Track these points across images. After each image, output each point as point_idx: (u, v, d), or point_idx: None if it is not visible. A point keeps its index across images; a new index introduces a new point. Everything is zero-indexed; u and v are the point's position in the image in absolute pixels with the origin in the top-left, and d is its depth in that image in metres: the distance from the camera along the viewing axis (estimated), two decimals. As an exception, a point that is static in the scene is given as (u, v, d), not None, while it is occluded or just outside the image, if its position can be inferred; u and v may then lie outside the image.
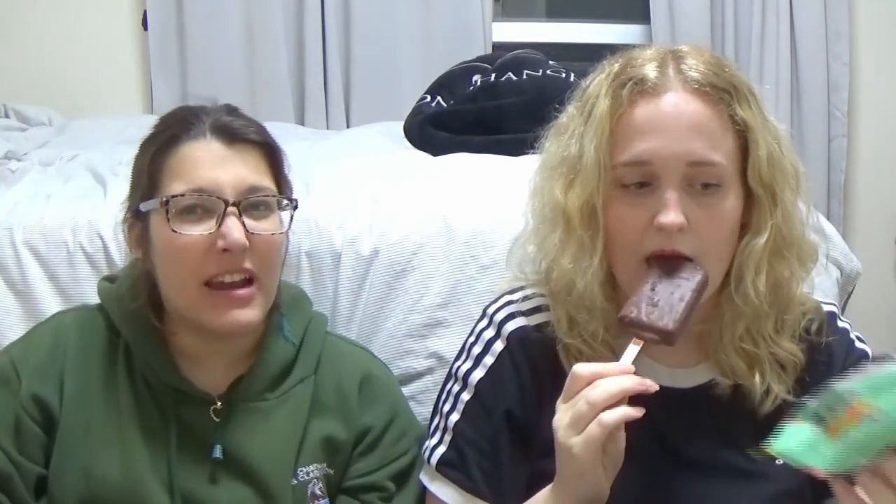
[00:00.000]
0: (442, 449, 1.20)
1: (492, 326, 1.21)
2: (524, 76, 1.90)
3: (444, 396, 1.23)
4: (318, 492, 1.24)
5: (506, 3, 3.25)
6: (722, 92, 1.10)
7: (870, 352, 1.21)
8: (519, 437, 1.17)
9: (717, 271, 1.11)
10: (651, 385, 1.00)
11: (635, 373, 1.15)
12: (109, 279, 1.32)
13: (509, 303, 1.22)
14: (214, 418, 1.21)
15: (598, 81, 1.14)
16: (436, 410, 1.24)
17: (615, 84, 1.11)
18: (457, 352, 1.26)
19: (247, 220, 1.18)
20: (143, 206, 1.20)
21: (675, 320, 1.05)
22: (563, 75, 1.91)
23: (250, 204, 1.19)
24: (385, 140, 2.11)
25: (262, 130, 1.25)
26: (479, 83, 1.96)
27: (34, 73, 2.76)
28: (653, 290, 1.07)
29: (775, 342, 1.14)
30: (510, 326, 1.19)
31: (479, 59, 2.15)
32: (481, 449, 1.17)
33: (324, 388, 1.27)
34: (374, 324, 1.51)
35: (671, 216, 1.06)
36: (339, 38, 2.80)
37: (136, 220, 1.22)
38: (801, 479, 1.15)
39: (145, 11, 2.75)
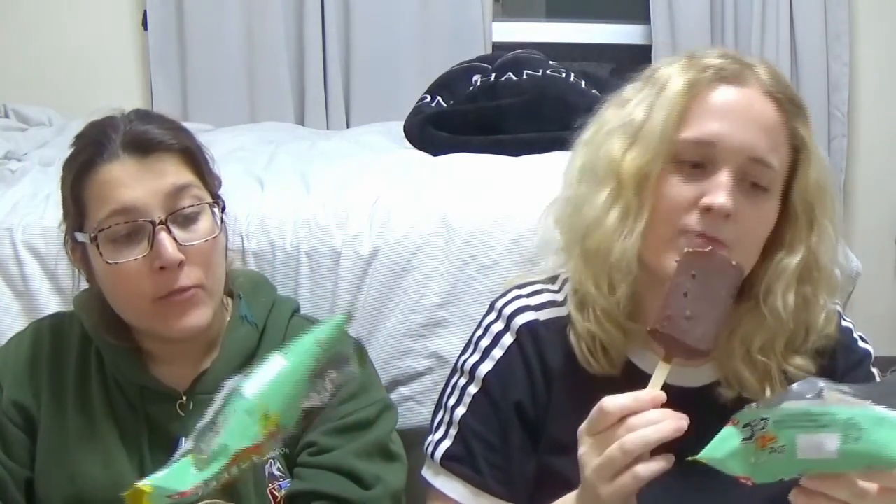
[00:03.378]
0: (447, 443, 1.19)
1: (501, 320, 1.20)
2: (524, 76, 1.90)
3: (448, 390, 1.22)
4: (277, 472, 1.23)
5: (506, 3, 3.26)
6: (790, 104, 1.12)
7: (872, 352, 1.21)
8: (528, 430, 1.17)
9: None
10: (686, 420, 0.97)
11: (639, 367, 1.15)
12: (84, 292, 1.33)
13: (518, 297, 1.22)
14: (180, 413, 1.23)
15: (668, 65, 1.15)
16: (439, 405, 1.24)
17: (695, 67, 1.13)
18: (457, 350, 1.26)
19: (178, 232, 1.17)
20: (79, 237, 1.20)
21: (711, 338, 1.02)
22: (563, 75, 1.91)
23: (175, 216, 1.17)
24: (385, 140, 2.11)
25: (177, 133, 1.22)
26: (479, 83, 1.96)
27: (34, 73, 2.77)
28: (685, 295, 1.03)
29: (787, 359, 1.14)
30: (520, 320, 1.19)
31: (479, 59, 2.14)
32: (489, 442, 1.17)
33: None
34: (373, 323, 1.50)
35: (723, 198, 1.06)
36: (339, 38, 2.80)
37: (76, 243, 1.22)
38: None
39: (145, 11, 2.75)
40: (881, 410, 0.88)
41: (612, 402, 0.98)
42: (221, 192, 1.28)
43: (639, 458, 0.96)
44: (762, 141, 1.09)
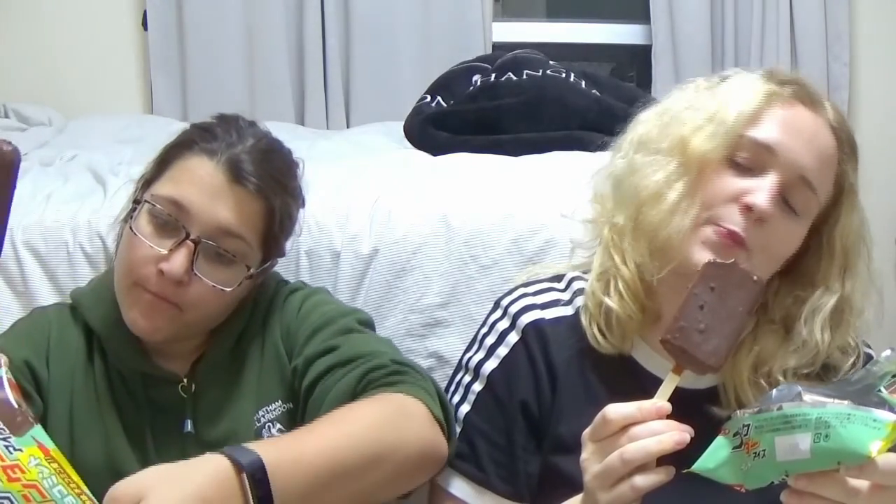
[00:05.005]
0: None
1: (506, 318, 1.20)
2: (524, 76, 1.90)
3: (453, 388, 1.22)
4: (278, 433, 1.24)
5: (506, 3, 3.25)
6: (848, 146, 1.16)
7: (874, 356, 1.21)
8: (533, 429, 1.17)
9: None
10: (690, 432, 0.96)
11: (645, 368, 1.15)
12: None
13: (524, 295, 1.22)
14: (183, 395, 1.24)
15: (745, 73, 1.18)
16: None
17: (774, 80, 1.16)
18: (457, 350, 1.26)
19: (201, 260, 1.18)
20: (138, 194, 1.24)
21: (722, 354, 1.01)
22: (563, 75, 1.91)
23: (209, 247, 1.19)
24: (385, 140, 2.11)
25: (272, 188, 1.23)
26: (479, 83, 1.96)
27: (34, 73, 2.76)
28: (701, 308, 1.02)
29: (797, 381, 1.14)
30: (525, 319, 1.19)
31: (479, 59, 2.14)
32: (493, 441, 1.17)
33: (272, 333, 1.29)
34: (373, 323, 1.51)
35: (766, 200, 1.07)
36: (339, 38, 2.80)
37: (136, 203, 1.24)
38: None
39: (145, 11, 2.75)
40: (850, 407, 0.88)
41: (616, 411, 0.97)
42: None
43: (639, 468, 0.95)
44: (816, 166, 1.11)
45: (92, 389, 1.25)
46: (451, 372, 1.28)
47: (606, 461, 0.96)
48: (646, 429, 0.96)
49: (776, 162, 1.10)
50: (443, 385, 1.27)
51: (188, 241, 1.17)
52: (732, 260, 1.05)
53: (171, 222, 1.18)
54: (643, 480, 0.95)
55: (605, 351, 1.15)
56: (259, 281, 1.30)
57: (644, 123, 1.19)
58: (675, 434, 0.95)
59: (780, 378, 1.13)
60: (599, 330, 1.15)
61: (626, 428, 0.96)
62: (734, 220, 1.08)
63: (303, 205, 1.33)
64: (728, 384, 1.15)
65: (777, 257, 1.13)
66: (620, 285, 1.14)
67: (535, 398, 1.16)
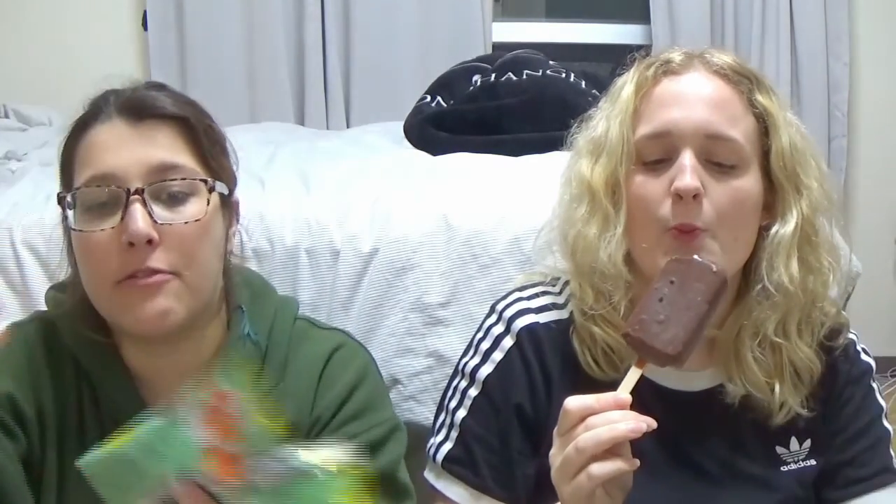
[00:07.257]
0: (448, 446, 1.19)
1: (501, 322, 1.20)
2: (524, 76, 1.90)
3: (449, 393, 1.22)
4: None
5: (506, 3, 3.26)
6: (742, 77, 1.14)
7: (873, 366, 1.21)
8: (529, 433, 1.17)
9: (736, 256, 1.11)
10: (649, 423, 0.95)
11: (640, 379, 1.15)
12: (57, 288, 1.18)
13: (519, 299, 1.22)
14: None
15: (626, 74, 1.18)
16: (441, 407, 1.24)
17: (641, 68, 1.16)
18: (457, 349, 1.26)
19: (157, 209, 1.05)
20: (60, 205, 1.10)
21: (680, 342, 0.99)
22: (563, 75, 1.91)
23: (157, 190, 1.06)
24: (385, 140, 2.11)
25: (181, 104, 1.11)
26: (479, 83, 1.96)
27: (34, 73, 2.77)
28: (660, 300, 1.02)
29: (797, 346, 1.13)
30: (520, 323, 1.19)
31: (479, 59, 2.15)
32: (490, 445, 1.17)
33: (291, 389, 1.16)
34: (372, 321, 1.50)
35: (687, 179, 1.07)
36: (339, 38, 2.81)
37: (64, 217, 1.10)
38: (806, 486, 1.16)
39: (145, 11, 2.76)
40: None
41: (574, 403, 0.97)
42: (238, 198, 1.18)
43: (596, 458, 0.94)
44: (715, 116, 1.10)
45: (82, 433, 1.11)
46: (450, 371, 1.28)
47: (564, 453, 0.95)
48: (601, 418, 0.95)
49: (677, 139, 1.10)
50: (441, 387, 1.28)
51: (133, 197, 1.04)
52: (692, 256, 1.04)
53: (107, 196, 1.05)
54: (599, 469, 0.93)
55: (598, 377, 1.14)
56: (234, 218, 1.17)
57: (563, 179, 1.22)
58: (631, 423, 0.94)
59: (787, 336, 1.12)
60: (592, 356, 1.15)
61: (585, 419, 0.96)
62: (676, 214, 1.08)
63: (225, 137, 1.18)
64: (733, 373, 1.14)
65: (740, 221, 1.11)
66: (600, 321, 1.14)
67: (530, 402, 1.16)
